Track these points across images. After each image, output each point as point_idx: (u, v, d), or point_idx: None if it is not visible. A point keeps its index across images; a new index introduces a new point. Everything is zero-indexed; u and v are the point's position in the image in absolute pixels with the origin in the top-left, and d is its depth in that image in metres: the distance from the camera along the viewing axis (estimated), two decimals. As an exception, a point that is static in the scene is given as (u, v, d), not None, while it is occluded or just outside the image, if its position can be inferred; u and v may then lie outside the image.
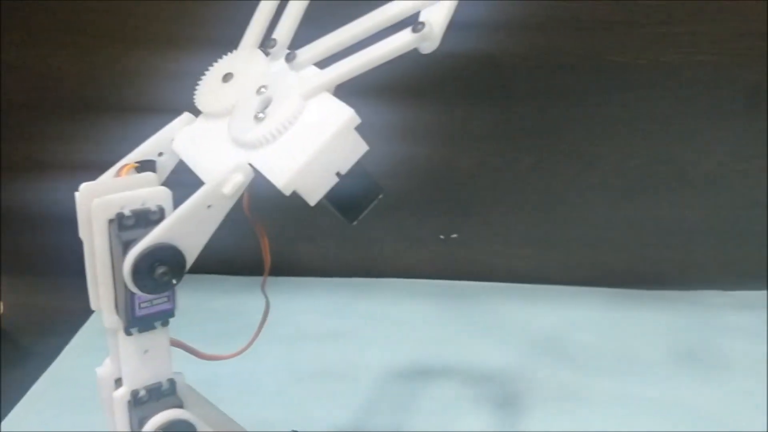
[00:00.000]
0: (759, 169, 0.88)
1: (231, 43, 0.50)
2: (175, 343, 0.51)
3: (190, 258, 0.45)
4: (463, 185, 0.95)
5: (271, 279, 1.03)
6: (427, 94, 0.89)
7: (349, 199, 0.46)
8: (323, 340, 0.90)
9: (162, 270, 0.43)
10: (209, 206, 0.44)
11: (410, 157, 0.93)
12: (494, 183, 0.94)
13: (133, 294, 0.44)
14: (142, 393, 0.48)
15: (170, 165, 0.50)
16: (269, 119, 0.44)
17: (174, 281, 0.44)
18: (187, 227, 0.44)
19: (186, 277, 1.03)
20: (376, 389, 0.81)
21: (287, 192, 0.43)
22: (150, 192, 0.45)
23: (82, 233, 0.45)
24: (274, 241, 1.04)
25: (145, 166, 0.49)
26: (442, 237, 0.97)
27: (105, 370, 0.51)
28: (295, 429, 0.62)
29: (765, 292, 0.93)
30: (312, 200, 0.44)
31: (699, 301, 0.93)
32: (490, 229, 0.97)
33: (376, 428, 0.75)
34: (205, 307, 0.96)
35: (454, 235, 0.97)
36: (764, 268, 0.92)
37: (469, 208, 0.96)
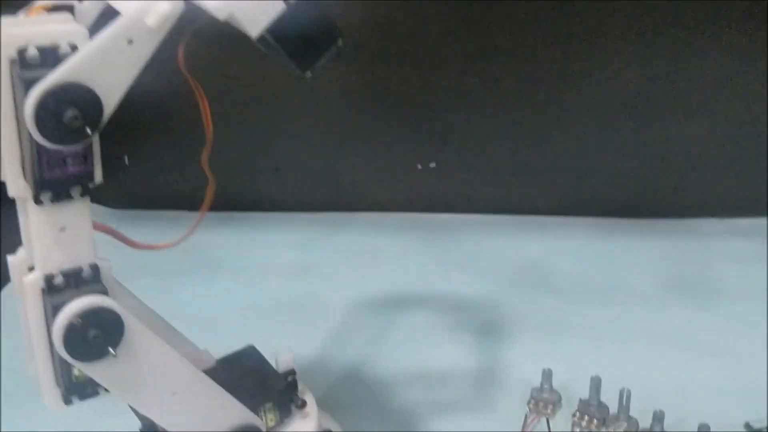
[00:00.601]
0: (760, 83, 0.82)
1: None
2: (101, 228, 0.43)
3: (108, 104, 0.37)
4: (440, 109, 0.88)
5: (233, 215, 0.97)
6: (401, 9, 0.82)
7: (300, 38, 0.39)
8: (290, 275, 0.82)
9: (72, 113, 0.36)
10: (130, 41, 0.37)
11: (383, 79, 0.86)
12: (474, 107, 0.87)
13: (40, 147, 0.37)
14: (58, 279, 0.40)
15: (93, 14, 0.43)
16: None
17: (88, 130, 0.36)
18: (104, 65, 0.37)
19: (141, 213, 0.95)
20: (347, 321, 0.74)
21: (222, 15, 0.36)
22: (63, 29, 0.38)
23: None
24: (235, 174, 0.98)
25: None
26: (419, 167, 0.90)
27: (18, 257, 0.43)
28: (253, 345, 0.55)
29: (765, 218, 0.86)
30: (253, 30, 0.37)
31: (694, 229, 0.87)
32: (469, 158, 0.90)
33: (347, 359, 0.68)
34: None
35: (432, 164, 0.90)
36: (764, 194, 0.85)
37: (447, 134, 0.89)
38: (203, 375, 0.45)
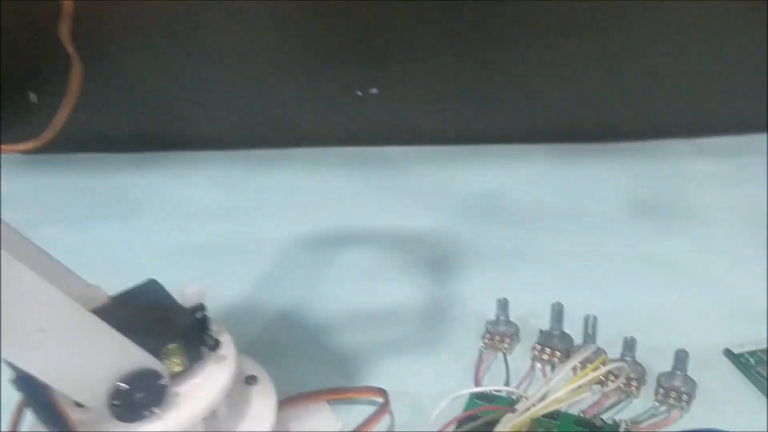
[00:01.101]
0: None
1: None
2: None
3: None
4: (380, 29, 0.80)
5: (155, 155, 0.88)
6: None
7: None
8: (218, 217, 0.74)
9: None
10: None
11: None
12: (417, 25, 0.79)
13: None
14: None
15: None
16: None
17: None
18: None
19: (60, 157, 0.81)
20: (281, 263, 0.66)
21: None
22: None
23: None
24: (155, 110, 0.89)
25: None
26: (359, 93, 0.82)
27: None
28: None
29: (735, 137, 0.80)
30: None
31: (658, 150, 0.80)
32: (415, 82, 0.82)
33: (281, 302, 0.61)
34: (81, 186, 0.80)
35: (374, 90, 0.82)
36: (734, 111, 0.79)
37: (390, 55, 0.81)
38: (85, 312, 0.37)
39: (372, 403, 0.49)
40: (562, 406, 0.47)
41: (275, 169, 0.82)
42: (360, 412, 0.48)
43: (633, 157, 0.79)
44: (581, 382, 0.38)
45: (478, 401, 0.48)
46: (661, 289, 0.60)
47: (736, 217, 0.69)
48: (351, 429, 0.46)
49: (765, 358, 0.50)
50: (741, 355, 0.51)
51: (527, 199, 0.74)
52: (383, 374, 0.52)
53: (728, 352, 0.51)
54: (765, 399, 0.48)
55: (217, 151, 0.84)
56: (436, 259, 0.66)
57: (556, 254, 0.65)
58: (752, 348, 0.51)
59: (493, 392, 0.48)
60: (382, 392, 0.48)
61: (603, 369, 0.39)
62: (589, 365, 0.40)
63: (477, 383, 0.50)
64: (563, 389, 0.37)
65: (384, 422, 0.47)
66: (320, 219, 0.72)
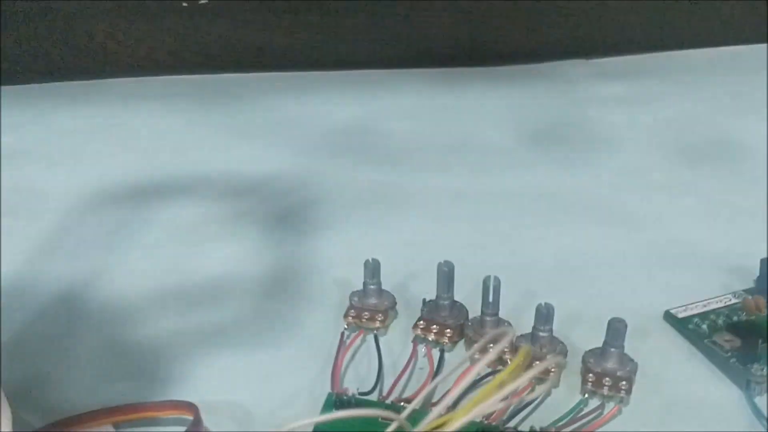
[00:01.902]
0: None
1: None
2: None
3: None
4: None
5: None
6: None
7: None
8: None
9: None
10: None
11: None
12: None
13: None
14: None
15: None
16: None
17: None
18: None
19: None
20: (67, 223, 0.49)
21: None
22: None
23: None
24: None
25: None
26: (185, 4, 0.64)
27: None
28: None
29: (638, 56, 0.68)
30: None
31: (553, 73, 0.67)
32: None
33: (66, 276, 0.43)
34: None
35: (203, 0, 0.64)
36: (636, 28, 0.67)
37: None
38: None
39: (181, 423, 0.33)
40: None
41: (77, 104, 0.63)
42: (164, 438, 0.32)
43: (524, 82, 0.66)
44: (504, 392, 0.23)
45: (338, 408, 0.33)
46: (573, 235, 0.47)
47: (652, 142, 0.57)
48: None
49: (721, 323, 0.38)
50: (687, 319, 0.38)
51: (401, 132, 0.60)
52: (202, 379, 0.36)
53: (670, 316, 0.39)
54: (726, 378, 0.35)
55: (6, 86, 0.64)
56: (284, 212, 0.50)
57: (440, 198, 0.51)
58: (702, 309, 0.39)
59: (358, 396, 0.34)
60: (190, 408, 0.32)
61: (536, 369, 0.24)
62: (508, 360, 0.25)
63: (335, 384, 0.34)
64: (471, 407, 0.23)
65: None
66: (131, 166, 0.55)
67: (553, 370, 0.35)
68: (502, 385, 0.23)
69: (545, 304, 0.35)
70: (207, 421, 0.32)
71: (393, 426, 0.24)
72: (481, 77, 0.67)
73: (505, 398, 0.25)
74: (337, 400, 0.33)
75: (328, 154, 0.57)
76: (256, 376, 0.36)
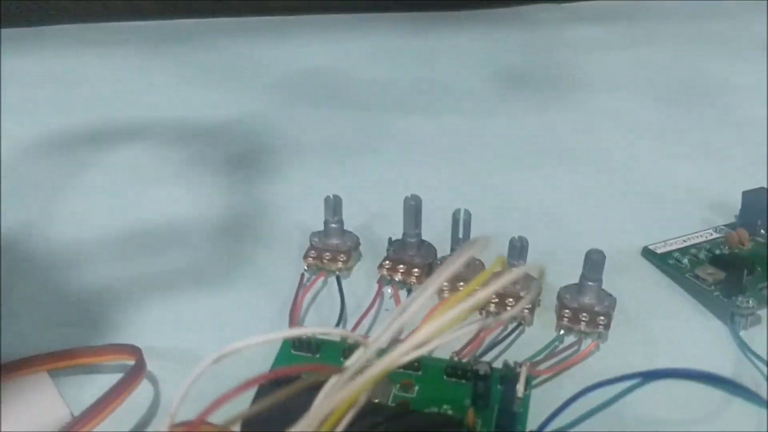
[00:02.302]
0: None
1: None
2: None
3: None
4: None
5: None
6: None
7: None
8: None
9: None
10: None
11: None
12: None
13: None
14: None
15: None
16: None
17: None
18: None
19: None
20: (8, 170, 0.45)
21: None
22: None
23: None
24: None
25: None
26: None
27: None
28: None
29: (609, 1, 0.66)
30: None
31: (523, 18, 0.65)
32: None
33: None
34: None
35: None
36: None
37: None
38: None
39: (125, 370, 0.30)
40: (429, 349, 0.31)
41: (27, 50, 0.59)
42: (108, 384, 0.29)
43: (495, 26, 0.63)
44: (466, 305, 0.21)
45: (295, 353, 0.31)
46: (547, 177, 0.45)
47: (627, 86, 0.55)
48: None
49: (703, 257, 0.36)
50: (667, 254, 0.36)
51: (369, 77, 0.57)
52: (150, 323, 0.34)
53: (648, 253, 0.37)
54: (709, 312, 0.33)
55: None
56: (242, 156, 0.47)
57: (409, 142, 0.48)
58: (683, 244, 0.37)
59: (318, 337, 0.31)
60: (134, 352, 0.29)
61: (507, 277, 0.22)
62: (472, 280, 0.23)
63: (293, 324, 0.32)
64: (430, 325, 0.20)
65: (143, 396, 0.29)
66: (81, 112, 0.51)
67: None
68: (471, 294, 0.21)
69: (519, 237, 0.33)
70: (153, 366, 0.30)
71: (357, 354, 0.21)
72: (450, 21, 0.64)
73: (475, 310, 0.23)
74: (295, 341, 0.31)
75: (291, 100, 0.54)
76: (208, 320, 0.34)
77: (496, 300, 0.33)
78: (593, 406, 0.23)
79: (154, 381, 0.30)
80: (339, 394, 0.20)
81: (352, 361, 0.22)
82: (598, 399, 0.23)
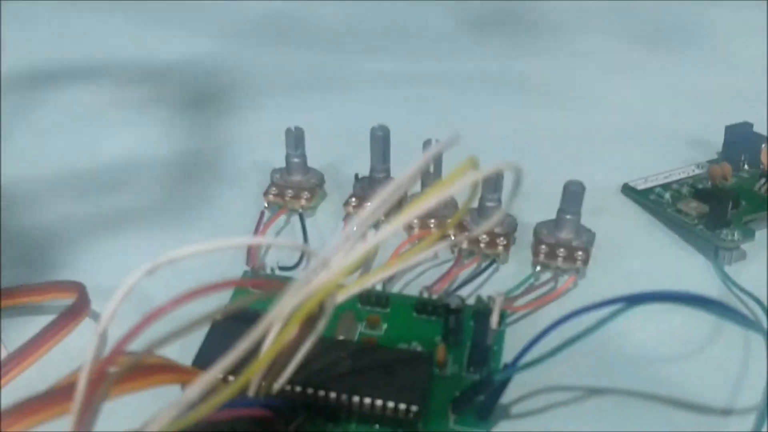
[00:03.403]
0: None
1: None
2: None
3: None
4: None
5: None
6: None
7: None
8: None
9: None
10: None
11: None
12: None
13: None
14: None
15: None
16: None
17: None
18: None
19: None
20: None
21: None
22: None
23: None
24: None
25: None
26: None
27: None
28: None
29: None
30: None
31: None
32: None
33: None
34: None
35: None
36: None
37: None
38: None
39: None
40: (392, 279, 0.29)
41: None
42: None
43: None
44: (440, 194, 0.19)
45: (256, 290, 0.29)
46: (523, 117, 0.43)
47: (605, 26, 0.53)
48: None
49: (685, 192, 0.34)
50: (648, 190, 0.34)
51: (334, 17, 0.54)
52: (99, 263, 0.31)
53: (629, 189, 0.35)
54: (691, 248, 0.32)
55: None
56: (201, 96, 0.44)
57: (377, 82, 0.46)
58: (664, 180, 0.35)
59: (278, 273, 0.29)
60: (77, 289, 0.27)
61: (481, 173, 0.19)
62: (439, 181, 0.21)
63: (251, 260, 0.30)
64: (390, 225, 0.18)
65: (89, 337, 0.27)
66: (32, 52, 0.48)
67: (501, 241, 0.31)
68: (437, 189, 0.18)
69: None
70: (99, 307, 0.28)
71: (314, 264, 0.19)
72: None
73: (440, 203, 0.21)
74: (253, 276, 0.29)
75: (252, 39, 0.51)
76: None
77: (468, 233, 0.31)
78: (572, 335, 0.21)
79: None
80: (292, 298, 0.18)
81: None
82: (577, 328, 0.21)
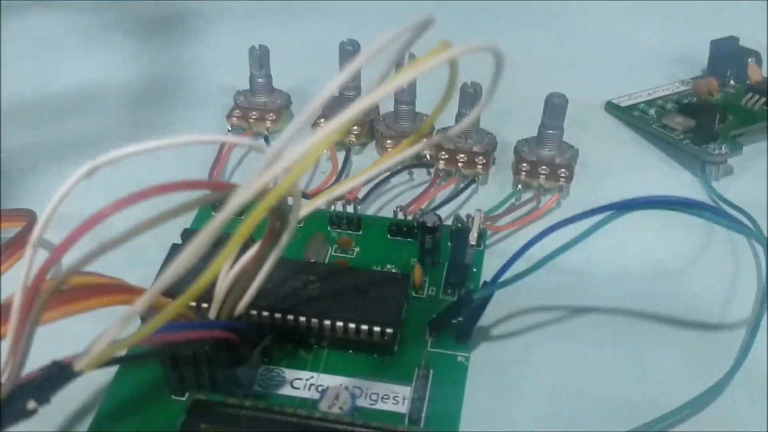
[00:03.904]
0: None
1: None
2: None
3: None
4: None
5: None
6: None
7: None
8: None
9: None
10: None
11: None
12: None
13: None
14: None
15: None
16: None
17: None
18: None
19: None
20: None
21: None
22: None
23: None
24: None
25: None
26: None
27: None
28: None
29: None
30: None
31: None
32: None
33: None
34: None
35: None
36: None
37: None
38: None
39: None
40: (365, 201, 0.28)
41: None
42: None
43: None
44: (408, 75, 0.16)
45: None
46: (508, 35, 0.40)
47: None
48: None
49: (670, 107, 0.32)
50: (632, 107, 0.33)
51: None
52: (53, 192, 0.29)
53: (612, 106, 0.33)
54: (677, 165, 0.31)
55: None
56: (161, 21, 0.42)
57: (352, 5, 0.43)
58: (648, 97, 0.33)
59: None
60: (26, 216, 0.25)
61: (457, 50, 0.18)
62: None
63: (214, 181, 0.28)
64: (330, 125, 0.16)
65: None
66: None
67: (480, 160, 0.29)
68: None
69: (471, 83, 0.29)
70: (53, 236, 0.26)
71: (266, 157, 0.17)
72: None
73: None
74: (215, 203, 0.27)
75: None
76: (120, 185, 0.29)
77: (445, 156, 0.29)
78: (558, 246, 0.20)
79: (51, 249, 0.26)
80: (242, 195, 0.16)
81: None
82: (563, 239, 0.20)
